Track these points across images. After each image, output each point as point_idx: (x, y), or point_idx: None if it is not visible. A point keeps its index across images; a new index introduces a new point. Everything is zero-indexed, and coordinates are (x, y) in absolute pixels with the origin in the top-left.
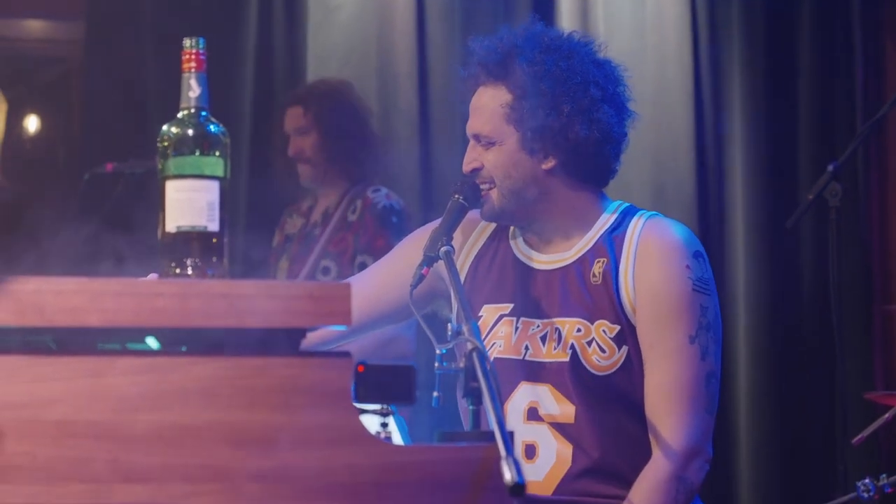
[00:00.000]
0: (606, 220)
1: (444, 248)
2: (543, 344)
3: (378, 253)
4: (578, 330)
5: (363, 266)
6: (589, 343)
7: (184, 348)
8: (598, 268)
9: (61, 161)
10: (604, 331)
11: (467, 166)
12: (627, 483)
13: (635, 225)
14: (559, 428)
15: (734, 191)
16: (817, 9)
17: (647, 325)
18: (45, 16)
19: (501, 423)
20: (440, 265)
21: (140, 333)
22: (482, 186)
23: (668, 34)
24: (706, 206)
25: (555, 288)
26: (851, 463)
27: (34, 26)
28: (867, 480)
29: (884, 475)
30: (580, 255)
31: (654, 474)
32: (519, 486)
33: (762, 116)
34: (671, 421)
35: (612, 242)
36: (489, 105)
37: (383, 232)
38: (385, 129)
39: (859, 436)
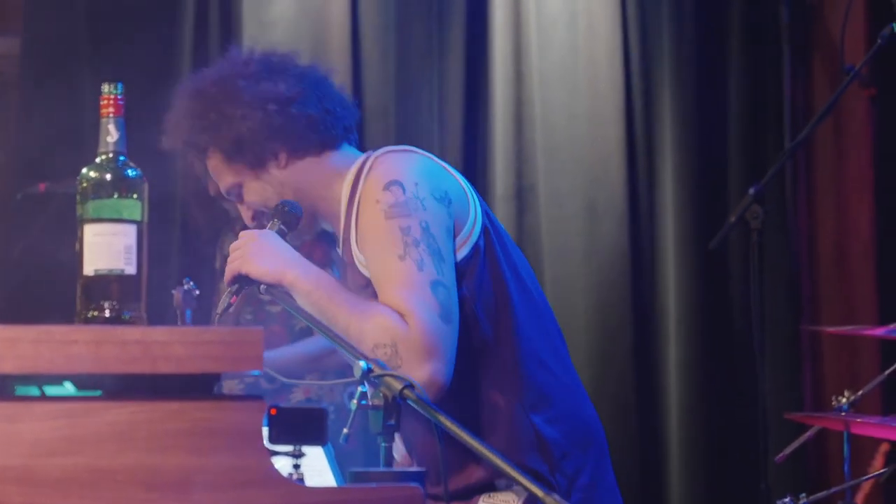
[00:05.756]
0: (347, 189)
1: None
2: None
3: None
4: None
5: None
6: None
7: (99, 392)
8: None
9: None
10: None
11: (249, 220)
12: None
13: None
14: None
15: (665, 205)
16: (747, 27)
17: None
18: None
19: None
20: None
21: (58, 378)
22: (274, 220)
23: (599, 50)
24: (637, 219)
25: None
26: (775, 481)
27: None
28: (787, 499)
29: (803, 494)
30: (343, 236)
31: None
32: None
33: (693, 131)
34: (398, 305)
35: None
36: (208, 169)
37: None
38: None
39: (782, 453)
